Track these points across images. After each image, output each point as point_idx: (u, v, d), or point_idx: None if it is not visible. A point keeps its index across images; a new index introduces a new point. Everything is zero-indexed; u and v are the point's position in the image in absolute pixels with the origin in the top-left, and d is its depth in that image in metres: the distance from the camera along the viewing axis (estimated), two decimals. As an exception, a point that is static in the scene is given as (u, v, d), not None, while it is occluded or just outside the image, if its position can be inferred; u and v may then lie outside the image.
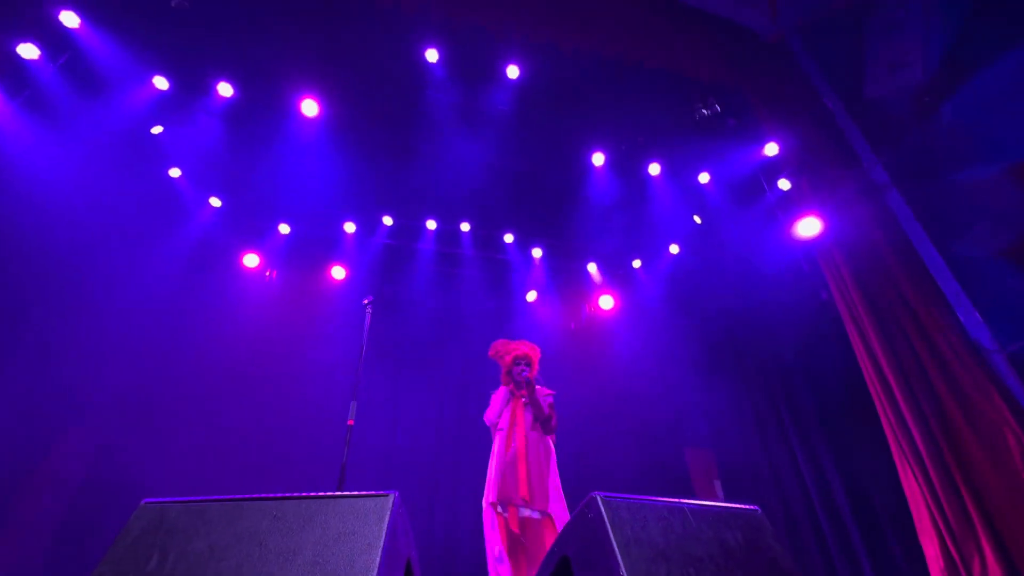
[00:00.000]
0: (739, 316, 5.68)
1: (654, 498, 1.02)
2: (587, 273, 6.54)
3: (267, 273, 5.84)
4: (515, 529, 2.84)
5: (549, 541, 2.85)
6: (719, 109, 5.02)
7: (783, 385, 5.26)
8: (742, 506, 1.12)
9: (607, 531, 0.87)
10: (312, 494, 0.88)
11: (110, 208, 4.71)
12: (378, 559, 0.76)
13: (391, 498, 0.89)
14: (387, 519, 0.83)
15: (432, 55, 4.59)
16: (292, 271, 5.90)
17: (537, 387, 3.33)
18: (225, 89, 4.61)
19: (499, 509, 2.94)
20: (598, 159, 5.38)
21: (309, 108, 4.77)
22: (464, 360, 6.05)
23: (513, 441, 3.06)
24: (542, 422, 3.21)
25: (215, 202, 5.48)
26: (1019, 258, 3.07)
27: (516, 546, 2.87)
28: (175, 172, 5.17)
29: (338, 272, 5.75)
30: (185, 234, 5.33)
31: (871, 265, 3.88)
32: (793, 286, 4.88)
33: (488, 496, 3.02)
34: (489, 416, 3.34)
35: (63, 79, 4.05)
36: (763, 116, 4.87)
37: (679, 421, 5.78)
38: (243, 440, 4.89)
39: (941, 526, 3.20)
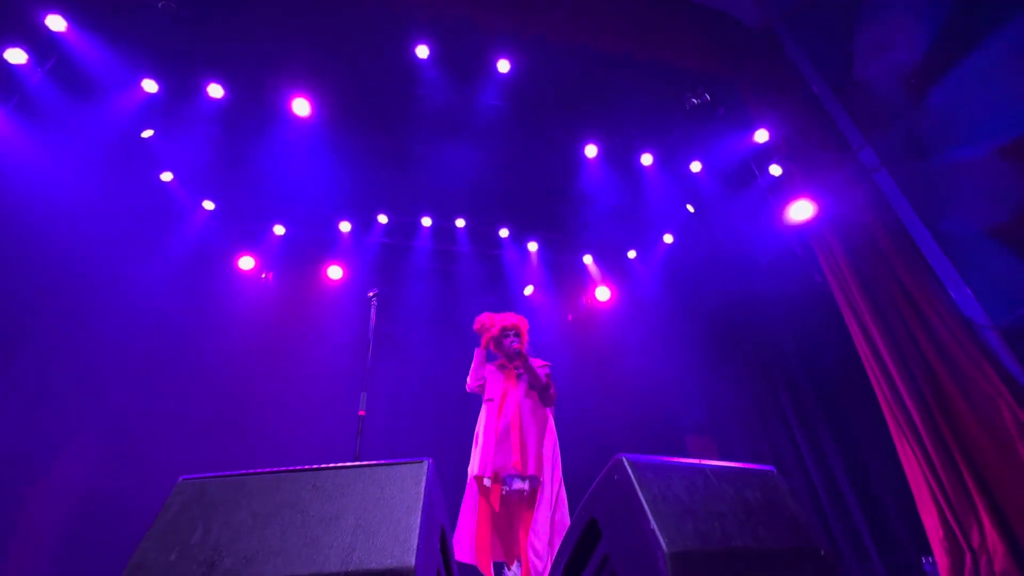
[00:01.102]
0: (735, 302, 5.74)
1: (676, 459, 1.05)
2: (583, 265, 6.58)
3: (263, 275, 5.82)
4: (496, 506, 2.70)
5: (528, 511, 2.77)
6: (708, 98, 5.08)
7: (781, 368, 5.33)
8: (758, 466, 1.16)
9: (635, 490, 0.90)
10: (348, 464, 0.90)
11: (102, 214, 4.67)
12: (419, 520, 0.78)
13: (426, 464, 0.91)
14: (424, 483, 0.85)
15: (422, 51, 4.59)
16: (288, 272, 5.88)
17: (530, 358, 3.20)
18: (215, 90, 4.59)
19: (485, 483, 2.79)
20: (591, 151, 5.42)
21: (300, 107, 4.76)
22: (463, 357, 6.06)
23: (505, 412, 2.91)
24: (540, 392, 3.09)
25: (208, 205, 5.45)
26: (1008, 236, 3.13)
27: (492, 521, 2.73)
28: (167, 176, 5.13)
29: (335, 272, 5.74)
30: (179, 239, 5.30)
31: (864, 246, 3.94)
32: (787, 270, 4.94)
33: (472, 469, 2.87)
34: (470, 381, 3.20)
35: (51, 84, 4.01)
36: (752, 103, 4.93)
37: (679, 409, 5.84)
38: (248, 443, 4.89)
39: (940, 498, 3.27)
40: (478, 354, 3.23)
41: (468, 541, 2.63)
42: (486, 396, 3.11)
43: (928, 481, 3.35)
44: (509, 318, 3.29)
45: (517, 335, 3.23)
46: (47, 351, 4.25)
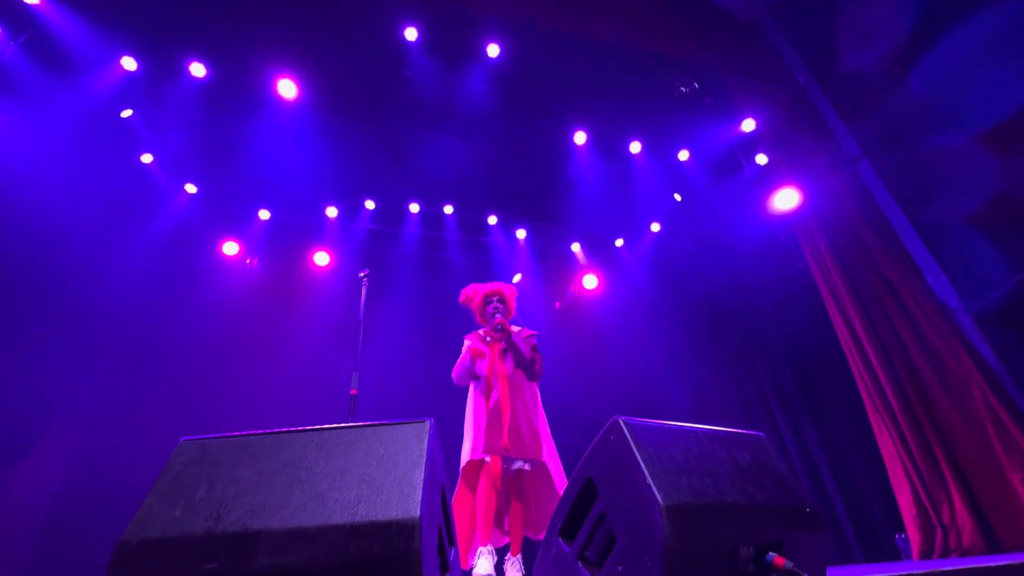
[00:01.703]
0: (720, 290, 5.83)
1: (669, 423, 1.08)
2: (571, 253, 6.61)
3: (248, 261, 5.73)
4: (497, 484, 2.49)
5: (545, 491, 2.66)
6: (696, 87, 5.12)
7: (763, 354, 5.45)
8: (749, 432, 1.20)
9: (631, 449, 0.93)
10: (351, 424, 0.91)
11: (79, 196, 4.54)
12: (423, 476, 0.80)
13: (428, 424, 0.92)
14: (426, 441, 0.87)
15: (411, 33, 4.54)
16: (274, 258, 5.79)
17: (517, 329, 3.01)
18: (197, 69, 4.48)
19: (485, 459, 2.57)
20: (580, 138, 5.43)
21: (286, 89, 4.67)
22: (452, 344, 6.06)
23: (494, 390, 2.71)
24: (525, 368, 2.90)
25: (191, 188, 5.33)
26: (983, 222, 3.24)
27: (487, 502, 2.48)
28: (147, 158, 5.00)
29: (321, 258, 5.67)
30: (160, 222, 5.18)
31: (845, 234, 4.04)
32: (771, 258, 5.04)
33: (464, 455, 2.66)
34: (455, 371, 2.94)
35: (25, 58, 3.88)
36: (739, 93, 4.99)
37: (665, 395, 5.93)
38: (235, 428, 4.83)
39: (913, 476, 3.40)
40: (467, 348, 2.96)
41: (465, 531, 2.46)
42: (475, 372, 2.91)
43: (903, 461, 3.48)
44: (493, 286, 3.10)
45: (501, 301, 3.05)
46: (21, 336, 4.15)
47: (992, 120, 2.89)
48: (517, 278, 6.53)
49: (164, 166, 5.11)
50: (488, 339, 2.92)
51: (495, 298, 3.05)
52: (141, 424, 4.60)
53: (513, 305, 3.13)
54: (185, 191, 5.31)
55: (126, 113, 4.67)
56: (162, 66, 4.48)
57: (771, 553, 0.95)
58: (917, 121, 3.39)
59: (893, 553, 3.89)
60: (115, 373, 4.67)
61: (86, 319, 4.58)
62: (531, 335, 3.06)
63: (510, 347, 2.88)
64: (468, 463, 2.62)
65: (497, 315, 2.97)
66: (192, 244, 5.46)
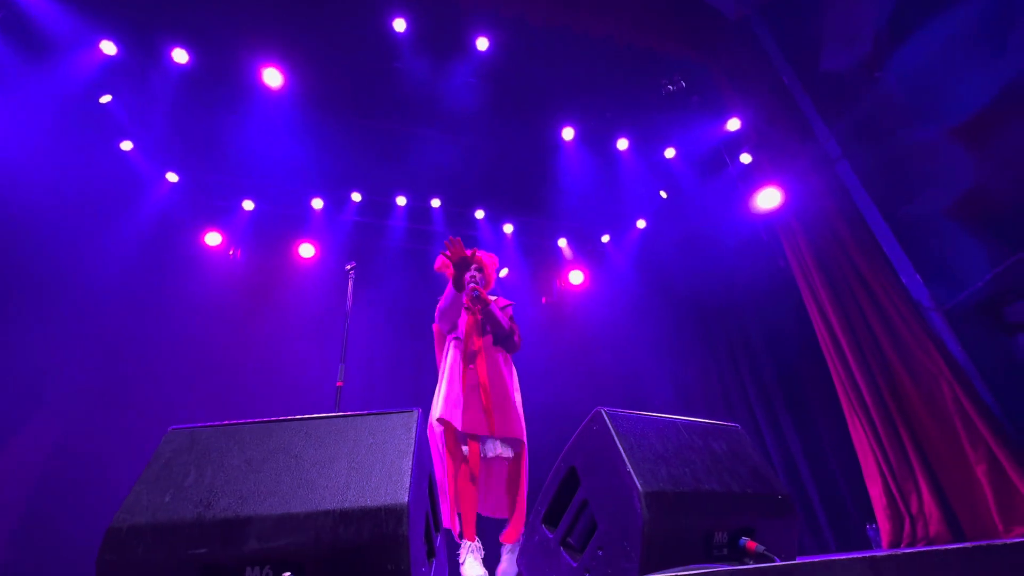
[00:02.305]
0: (704, 287, 5.93)
1: (650, 414, 1.12)
2: (558, 248, 6.65)
3: (231, 252, 5.65)
4: (476, 474, 2.37)
5: (512, 476, 2.53)
6: (684, 85, 5.17)
7: (746, 352, 5.56)
8: (726, 423, 1.24)
9: (613, 438, 0.96)
10: (339, 413, 0.92)
11: (57, 184, 4.43)
12: (411, 464, 0.82)
13: (416, 413, 0.94)
14: (414, 430, 0.89)
15: (400, 24, 4.50)
16: (258, 249, 5.72)
17: (494, 299, 2.82)
18: (180, 55, 4.39)
19: (463, 450, 2.43)
20: (568, 134, 5.45)
21: (272, 78, 4.61)
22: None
23: (472, 364, 2.55)
24: (503, 340, 2.73)
25: (172, 177, 5.24)
26: (956, 219, 3.33)
27: (469, 478, 2.37)
28: (127, 145, 4.90)
29: (306, 250, 5.63)
30: (142, 211, 5.08)
31: (824, 232, 4.14)
32: (754, 256, 5.13)
33: (435, 411, 2.47)
34: (441, 305, 2.69)
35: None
36: (726, 92, 5.05)
37: (649, 391, 6.02)
38: (218, 421, 4.78)
39: (884, 468, 3.52)
40: (449, 289, 2.70)
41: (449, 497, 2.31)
42: (456, 333, 2.72)
43: (875, 454, 3.60)
44: (474, 252, 2.87)
45: (479, 270, 2.83)
46: (1, 330, 4.05)
47: (964, 115, 2.96)
48: (504, 272, 6.56)
49: (145, 154, 5.01)
50: (465, 308, 2.73)
51: (474, 265, 2.82)
52: (123, 416, 4.54)
53: (492, 274, 2.93)
54: (167, 180, 5.22)
55: (105, 99, 4.56)
56: (143, 51, 4.38)
57: (744, 538, 0.99)
58: (893, 118, 3.47)
59: (865, 543, 4.03)
60: (96, 364, 4.60)
61: (66, 309, 4.48)
62: (508, 305, 2.91)
63: (487, 318, 2.69)
64: (435, 421, 2.44)
65: (477, 281, 2.77)
66: (174, 234, 5.37)
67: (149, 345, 4.91)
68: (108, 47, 4.24)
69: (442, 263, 2.92)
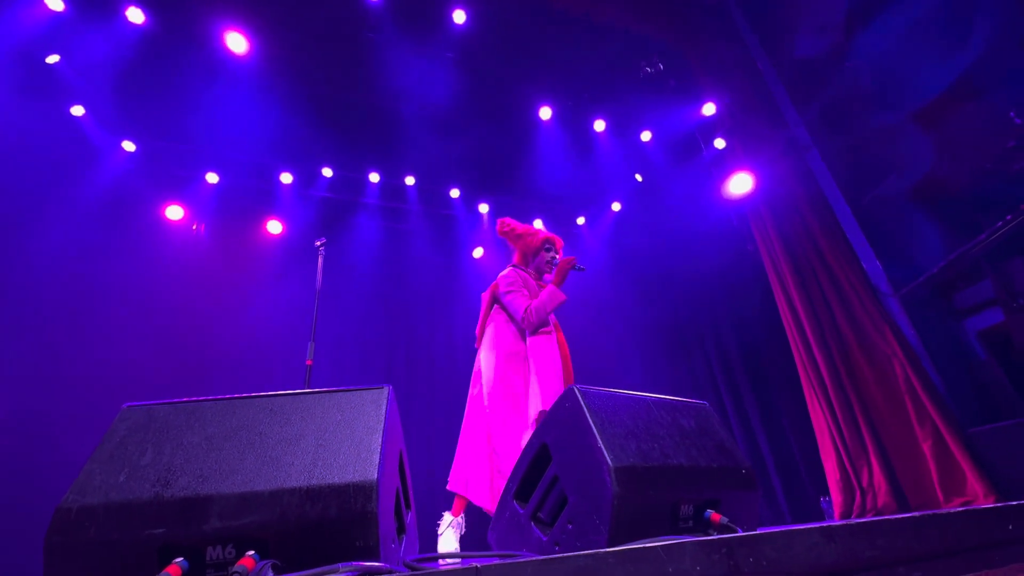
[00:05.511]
0: (675, 269, 6.03)
1: (620, 391, 1.13)
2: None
3: (194, 226, 5.42)
4: None
5: None
6: (662, 68, 5.16)
7: (713, 330, 5.71)
8: (694, 400, 1.27)
9: (584, 414, 0.97)
10: (306, 390, 0.90)
11: (0, 152, 4.14)
12: (380, 440, 0.80)
13: (386, 390, 0.92)
14: (384, 407, 0.87)
15: (374, -8, 4.33)
16: (223, 224, 5.50)
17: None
18: (135, 15, 4.11)
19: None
20: (545, 113, 5.39)
21: (236, 43, 4.37)
22: (410, 317, 6.02)
23: (557, 344, 2.49)
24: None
25: (128, 146, 4.95)
26: (917, 202, 3.45)
27: None
28: (78, 110, 4.60)
29: (274, 226, 5.45)
30: (97, 181, 4.80)
31: (791, 218, 4.25)
32: (724, 239, 5.23)
33: (534, 405, 2.33)
34: (532, 314, 2.47)
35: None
36: (702, 77, 5.07)
37: (619, 377, 6.13)
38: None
39: (839, 444, 3.70)
40: (517, 277, 2.57)
41: None
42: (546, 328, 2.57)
43: (831, 431, 3.78)
44: (550, 233, 2.83)
45: (557, 252, 2.82)
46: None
47: (923, 100, 3.04)
48: (478, 252, 6.51)
49: (97, 119, 4.71)
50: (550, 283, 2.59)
51: (554, 249, 2.79)
52: (77, 394, 4.35)
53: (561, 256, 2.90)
54: (122, 148, 4.93)
55: (52, 59, 4.25)
56: (94, 8, 4.08)
57: (709, 510, 1.03)
58: (858, 105, 3.55)
59: (818, 515, 4.26)
60: (47, 341, 4.37)
61: (16, 281, 4.24)
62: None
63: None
64: (537, 414, 2.31)
65: (557, 259, 2.73)
66: (131, 206, 5.10)
67: (106, 323, 4.69)
68: (55, 2, 3.93)
69: (511, 230, 2.81)
